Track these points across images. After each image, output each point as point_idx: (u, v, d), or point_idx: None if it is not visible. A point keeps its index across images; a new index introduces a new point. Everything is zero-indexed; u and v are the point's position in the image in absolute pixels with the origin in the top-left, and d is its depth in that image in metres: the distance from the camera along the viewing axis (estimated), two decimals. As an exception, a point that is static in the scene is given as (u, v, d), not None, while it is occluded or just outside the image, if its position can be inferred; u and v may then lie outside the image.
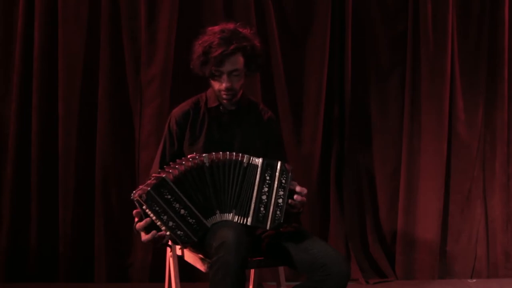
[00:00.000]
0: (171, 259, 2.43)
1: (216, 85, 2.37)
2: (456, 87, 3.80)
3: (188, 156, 2.17)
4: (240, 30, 2.36)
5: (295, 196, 2.17)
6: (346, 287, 2.12)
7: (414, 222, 3.77)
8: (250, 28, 2.41)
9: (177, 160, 2.18)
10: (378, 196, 3.84)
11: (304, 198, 2.19)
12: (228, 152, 2.16)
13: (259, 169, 2.14)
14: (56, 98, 3.50)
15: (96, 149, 3.52)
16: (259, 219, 2.12)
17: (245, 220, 2.13)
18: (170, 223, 2.02)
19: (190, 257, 2.40)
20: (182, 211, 2.04)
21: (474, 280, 3.78)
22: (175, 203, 2.03)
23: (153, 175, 2.14)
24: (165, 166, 2.17)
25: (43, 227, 3.49)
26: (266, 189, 2.12)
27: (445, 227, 3.82)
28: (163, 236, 2.04)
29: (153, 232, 2.04)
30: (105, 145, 3.52)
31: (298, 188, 2.18)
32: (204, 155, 2.14)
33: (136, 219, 2.09)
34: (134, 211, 2.09)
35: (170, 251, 2.43)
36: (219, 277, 1.97)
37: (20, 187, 3.48)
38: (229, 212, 2.14)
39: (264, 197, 2.12)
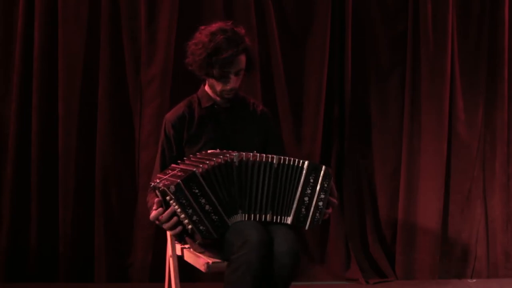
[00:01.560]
0: (171, 259, 2.43)
1: (219, 86, 2.37)
2: (456, 87, 3.80)
3: (217, 151, 2.20)
4: (237, 30, 2.37)
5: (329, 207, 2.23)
6: (291, 269, 2.08)
7: (414, 222, 3.77)
8: (240, 27, 2.42)
9: (203, 152, 2.21)
10: (378, 196, 3.84)
11: (335, 204, 2.26)
12: (258, 154, 2.16)
13: (304, 171, 2.16)
14: (56, 98, 3.50)
15: (96, 149, 3.52)
16: (299, 219, 2.17)
17: (284, 219, 2.16)
18: (194, 217, 2.03)
19: (190, 257, 2.40)
20: (207, 207, 2.05)
21: (474, 280, 3.78)
22: (201, 198, 2.04)
23: (176, 166, 2.15)
24: (191, 156, 2.20)
25: (43, 227, 3.49)
26: (309, 191, 2.17)
27: (445, 227, 3.82)
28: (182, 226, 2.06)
29: (176, 218, 2.06)
30: (105, 145, 3.52)
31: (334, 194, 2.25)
32: (234, 153, 2.15)
33: (155, 207, 2.10)
34: (156, 200, 2.11)
35: (171, 251, 2.43)
36: (238, 275, 1.99)
37: (20, 187, 3.48)
38: (253, 213, 2.15)
39: (306, 198, 2.17)
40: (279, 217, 2.17)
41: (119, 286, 3.49)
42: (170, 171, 2.13)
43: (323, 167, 2.18)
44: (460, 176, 3.83)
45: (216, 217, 2.07)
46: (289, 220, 2.16)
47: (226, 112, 2.46)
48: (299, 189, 2.16)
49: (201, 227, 2.04)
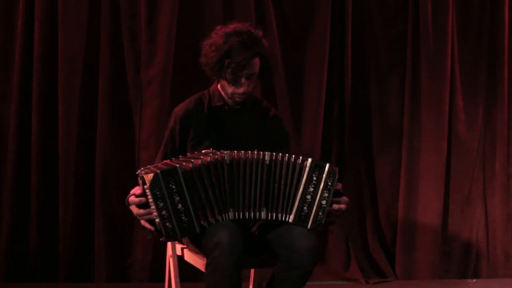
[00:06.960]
0: (171, 259, 2.43)
1: (230, 89, 2.34)
2: (456, 87, 3.80)
3: (203, 151, 2.16)
4: (253, 31, 2.34)
5: (333, 205, 2.18)
6: (311, 263, 2.09)
7: (414, 222, 3.77)
8: (259, 29, 2.40)
9: (196, 152, 2.17)
10: (378, 196, 3.84)
11: (343, 206, 2.22)
12: (250, 151, 2.13)
13: (307, 169, 2.12)
14: (56, 98, 3.50)
15: (96, 149, 3.52)
16: (301, 217, 2.13)
17: (286, 217, 2.13)
18: (164, 212, 2.00)
19: (190, 257, 2.40)
20: (180, 206, 2.02)
21: (474, 280, 3.78)
22: (176, 195, 2.01)
23: (166, 161, 2.12)
24: (180, 156, 2.15)
25: (43, 227, 3.49)
26: (311, 189, 2.12)
27: (445, 227, 3.82)
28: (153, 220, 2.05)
29: (148, 209, 2.03)
30: (105, 145, 3.52)
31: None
32: (225, 152, 2.11)
33: (131, 192, 2.09)
34: (136, 187, 2.09)
35: (171, 251, 2.44)
36: (214, 279, 1.98)
37: (20, 187, 3.48)
38: (247, 211, 2.12)
39: (308, 196, 2.13)
40: (279, 214, 2.13)
41: (119, 286, 3.49)
42: (159, 164, 2.11)
43: (327, 165, 2.13)
44: (460, 176, 3.83)
45: (186, 219, 2.03)
46: (290, 218, 2.13)
47: (236, 114, 2.41)
48: (301, 187, 2.12)
49: (167, 223, 2.01)
